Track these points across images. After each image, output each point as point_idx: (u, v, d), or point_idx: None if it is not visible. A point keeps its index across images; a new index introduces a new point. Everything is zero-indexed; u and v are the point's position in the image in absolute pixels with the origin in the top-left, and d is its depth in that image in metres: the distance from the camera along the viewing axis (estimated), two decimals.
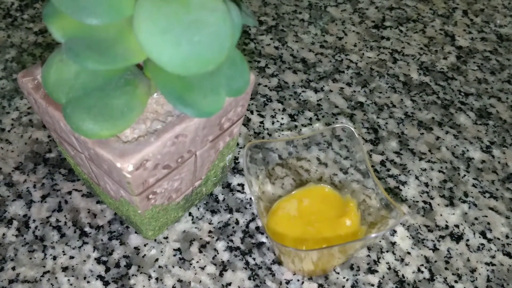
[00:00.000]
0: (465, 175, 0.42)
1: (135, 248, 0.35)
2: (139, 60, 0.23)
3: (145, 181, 0.28)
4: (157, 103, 0.29)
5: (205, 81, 0.24)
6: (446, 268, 0.36)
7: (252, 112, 0.45)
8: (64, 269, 0.34)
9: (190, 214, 0.37)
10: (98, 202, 0.37)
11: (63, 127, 0.28)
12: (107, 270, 0.34)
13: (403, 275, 0.35)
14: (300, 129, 0.44)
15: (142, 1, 0.20)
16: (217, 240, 0.36)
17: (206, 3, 0.20)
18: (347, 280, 0.35)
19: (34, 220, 0.36)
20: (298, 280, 0.34)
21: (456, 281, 0.35)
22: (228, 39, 0.21)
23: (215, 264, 0.35)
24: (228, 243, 0.36)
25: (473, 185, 0.41)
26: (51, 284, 0.33)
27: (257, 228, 0.37)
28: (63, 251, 0.35)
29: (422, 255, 0.36)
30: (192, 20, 0.20)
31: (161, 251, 0.35)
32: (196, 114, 0.24)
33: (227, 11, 0.21)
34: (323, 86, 0.48)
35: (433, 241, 0.37)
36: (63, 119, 0.27)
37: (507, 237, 0.38)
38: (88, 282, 0.33)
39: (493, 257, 0.37)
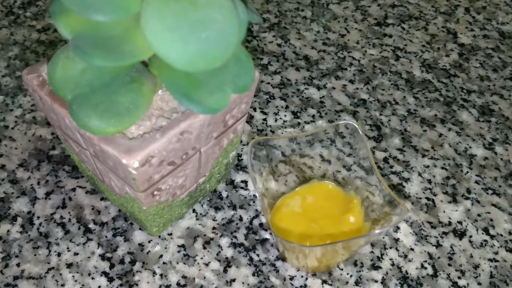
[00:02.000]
0: (467, 172, 0.42)
1: (139, 244, 0.35)
2: (145, 57, 0.23)
3: (150, 178, 0.28)
4: (162, 100, 0.29)
5: (212, 78, 0.24)
6: (449, 264, 0.36)
7: (255, 109, 0.45)
8: (69, 265, 0.34)
9: (194, 210, 0.37)
10: (102, 199, 0.38)
11: (68, 124, 0.28)
12: (112, 266, 0.34)
13: (406, 271, 0.35)
14: (303, 126, 0.44)
15: None
16: (221, 236, 0.36)
17: (213, 0, 0.20)
18: (351, 276, 0.35)
19: (38, 217, 0.36)
20: (302, 276, 0.35)
21: (459, 277, 0.35)
22: (235, 35, 0.21)
23: (219, 261, 0.35)
24: (232, 239, 0.36)
25: (476, 182, 0.41)
26: (56, 280, 0.33)
27: (261, 224, 0.37)
28: (68, 248, 0.35)
29: (425, 251, 0.36)
30: (199, 17, 0.20)
31: (166, 248, 0.35)
32: (203, 110, 0.24)
33: (233, 8, 0.21)
34: (326, 83, 0.48)
35: (436, 237, 0.37)
36: (68, 116, 0.27)
37: (510, 233, 0.38)
38: (92, 278, 0.33)
39: (496, 253, 0.37)
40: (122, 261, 0.34)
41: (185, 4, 0.20)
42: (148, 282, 0.33)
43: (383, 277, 0.35)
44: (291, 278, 0.34)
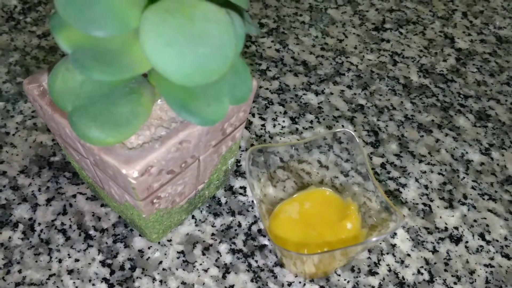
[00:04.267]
0: (464, 178, 0.42)
1: (139, 250, 0.36)
2: (144, 70, 0.23)
3: (149, 186, 0.29)
4: (161, 110, 0.30)
5: (209, 89, 0.25)
6: (445, 270, 0.36)
7: (253, 115, 0.45)
8: (70, 272, 0.34)
9: (193, 217, 0.38)
10: (102, 205, 0.38)
11: (69, 133, 0.29)
12: (112, 272, 0.35)
13: (403, 277, 0.36)
14: (301, 132, 0.44)
15: (148, 14, 0.21)
16: (220, 242, 0.37)
17: (210, 15, 0.21)
18: (348, 282, 0.35)
19: (39, 223, 0.37)
20: (300, 282, 0.35)
21: (455, 283, 0.36)
22: (231, 50, 0.21)
23: (218, 267, 0.35)
24: (230, 245, 0.36)
25: (472, 187, 0.42)
26: (57, 286, 0.34)
27: (259, 230, 0.37)
28: (68, 254, 0.35)
29: (422, 257, 0.37)
30: (196, 33, 0.20)
31: (165, 254, 0.36)
32: (200, 122, 0.24)
33: (230, 22, 0.21)
34: (324, 88, 0.49)
35: (433, 243, 0.38)
36: (68, 126, 0.28)
37: (505, 239, 0.38)
38: (93, 284, 0.34)
39: (492, 258, 0.37)
40: (122, 267, 0.35)
41: (183, 19, 0.20)
42: None
43: (380, 282, 0.35)
44: (289, 284, 0.35)
